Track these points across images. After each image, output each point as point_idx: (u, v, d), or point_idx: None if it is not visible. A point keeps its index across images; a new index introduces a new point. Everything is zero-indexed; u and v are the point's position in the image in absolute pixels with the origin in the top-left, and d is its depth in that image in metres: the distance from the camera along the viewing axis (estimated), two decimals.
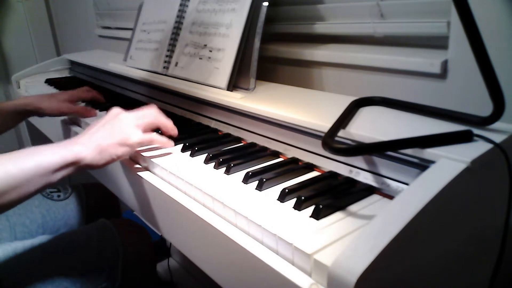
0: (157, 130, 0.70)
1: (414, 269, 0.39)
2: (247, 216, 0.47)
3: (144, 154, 0.67)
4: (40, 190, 0.56)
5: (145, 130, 0.65)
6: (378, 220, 0.37)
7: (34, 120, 1.21)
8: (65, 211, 1.04)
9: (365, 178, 0.52)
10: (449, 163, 0.42)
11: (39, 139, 1.16)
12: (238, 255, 0.46)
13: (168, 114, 0.87)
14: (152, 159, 0.65)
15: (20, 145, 2.09)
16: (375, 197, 0.50)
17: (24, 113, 0.93)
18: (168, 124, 0.68)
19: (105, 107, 0.96)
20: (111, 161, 0.60)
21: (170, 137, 0.69)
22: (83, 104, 1.00)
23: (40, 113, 0.92)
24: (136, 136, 0.62)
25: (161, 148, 0.69)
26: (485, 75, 0.44)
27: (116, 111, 0.66)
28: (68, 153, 0.57)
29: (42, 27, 2.06)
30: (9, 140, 2.02)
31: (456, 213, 0.42)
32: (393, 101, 0.60)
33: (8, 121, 0.92)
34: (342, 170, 0.55)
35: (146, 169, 0.67)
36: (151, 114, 0.66)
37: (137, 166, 0.69)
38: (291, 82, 0.82)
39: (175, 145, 0.72)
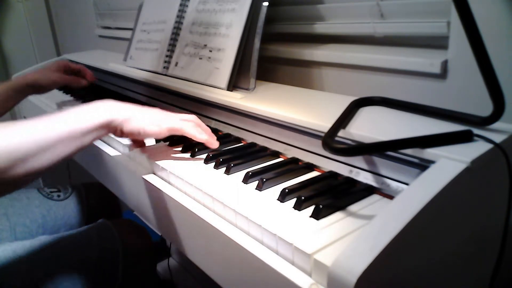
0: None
1: (414, 269, 0.39)
2: (247, 216, 0.47)
3: (143, 154, 0.67)
4: (73, 154, 0.55)
5: (174, 131, 0.63)
6: (378, 220, 0.37)
7: (30, 116, 1.23)
8: (65, 211, 1.04)
9: (365, 178, 0.52)
10: (449, 163, 0.42)
11: None
12: (238, 255, 0.46)
13: None
14: (152, 160, 0.65)
15: None
16: (375, 197, 0.50)
17: (24, 89, 0.95)
18: (204, 140, 0.64)
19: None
20: (141, 131, 0.60)
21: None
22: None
23: (37, 86, 0.96)
24: (171, 122, 0.62)
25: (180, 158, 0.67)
26: (485, 75, 0.44)
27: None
28: (100, 115, 0.57)
29: (42, 27, 2.06)
30: None
31: (456, 213, 0.42)
32: (393, 101, 0.60)
33: (8, 101, 0.94)
34: (342, 170, 0.55)
35: (146, 169, 0.67)
36: (193, 119, 0.65)
37: (131, 163, 0.69)
38: (291, 82, 0.82)
39: (175, 145, 0.72)
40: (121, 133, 0.60)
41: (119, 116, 0.58)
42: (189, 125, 0.63)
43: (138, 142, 0.70)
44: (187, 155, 0.68)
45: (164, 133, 0.62)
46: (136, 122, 0.59)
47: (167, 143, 0.73)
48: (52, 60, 1.49)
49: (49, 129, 0.52)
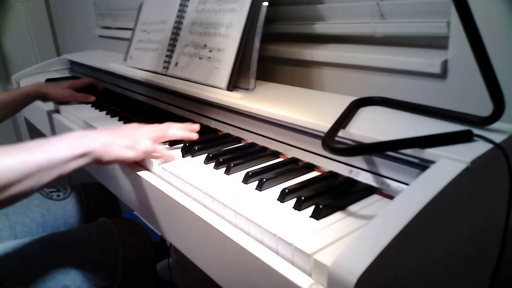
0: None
1: (414, 269, 0.39)
2: (247, 216, 0.47)
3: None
4: (53, 181, 0.58)
5: (156, 142, 0.66)
6: (378, 220, 0.37)
7: (30, 117, 1.30)
8: (65, 211, 1.04)
9: (365, 178, 0.52)
10: (449, 163, 0.42)
11: (36, 134, 1.31)
12: (238, 255, 0.46)
13: (168, 114, 0.88)
14: (152, 159, 0.65)
15: (18, 140, 2.10)
16: (375, 197, 0.50)
17: (33, 96, 1.06)
18: (182, 135, 0.69)
19: (105, 107, 0.97)
20: (116, 160, 0.62)
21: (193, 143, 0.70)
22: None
23: (47, 97, 1.06)
24: (144, 144, 0.64)
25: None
26: (485, 75, 0.44)
27: (136, 124, 0.70)
28: (78, 145, 0.59)
29: (42, 27, 2.06)
30: (8, 135, 2.04)
31: (456, 213, 0.42)
32: (393, 101, 0.60)
33: (17, 104, 1.04)
34: (342, 170, 0.55)
35: (146, 169, 0.67)
36: (164, 128, 0.68)
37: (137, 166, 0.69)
38: (291, 82, 0.82)
39: (175, 145, 0.72)
40: (101, 162, 0.62)
41: (96, 145, 0.60)
42: (157, 147, 0.66)
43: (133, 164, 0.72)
44: (187, 155, 0.68)
45: (141, 156, 0.64)
46: (112, 150, 0.61)
47: (168, 143, 0.73)
48: (52, 60, 1.49)
49: (32, 157, 0.55)
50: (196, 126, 0.72)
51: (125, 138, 0.63)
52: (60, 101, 1.07)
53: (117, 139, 0.62)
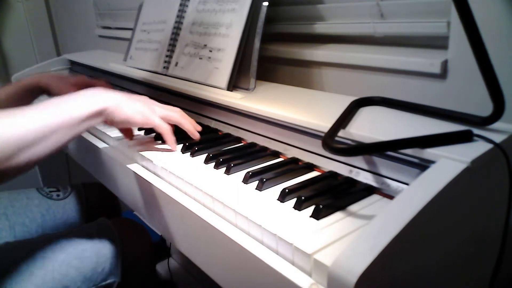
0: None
1: (414, 269, 0.39)
2: (247, 216, 0.47)
3: (144, 153, 0.67)
4: (70, 140, 0.58)
5: (164, 119, 0.67)
6: (378, 220, 0.37)
7: None
8: (65, 211, 1.04)
9: (365, 178, 0.52)
10: (449, 163, 0.42)
11: None
12: (238, 255, 0.46)
13: None
14: (152, 159, 0.65)
15: None
16: (375, 197, 0.50)
17: (36, 90, 0.95)
18: (187, 127, 0.69)
19: None
20: (125, 121, 0.62)
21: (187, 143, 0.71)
22: None
23: (49, 91, 0.94)
24: (154, 117, 0.65)
25: (162, 149, 0.69)
26: (485, 75, 0.44)
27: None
28: (94, 103, 0.59)
29: (42, 27, 2.06)
30: None
31: (456, 213, 0.42)
32: (393, 101, 0.60)
33: (21, 98, 0.94)
34: (342, 170, 0.55)
35: (146, 168, 0.67)
36: (175, 111, 0.69)
37: (131, 162, 0.70)
38: (291, 82, 0.82)
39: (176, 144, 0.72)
40: (111, 122, 0.63)
41: (110, 103, 0.61)
42: (171, 116, 0.67)
43: (126, 132, 0.73)
44: (187, 155, 0.68)
45: (147, 124, 0.64)
46: (125, 111, 0.62)
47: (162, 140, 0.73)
48: (52, 60, 1.49)
49: (49, 118, 0.55)
50: (199, 127, 0.72)
51: (137, 104, 0.64)
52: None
53: (129, 102, 0.63)
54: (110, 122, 0.63)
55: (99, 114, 0.60)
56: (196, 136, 0.70)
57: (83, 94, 0.61)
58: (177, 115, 0.68)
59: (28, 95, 0.95)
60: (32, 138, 0.53)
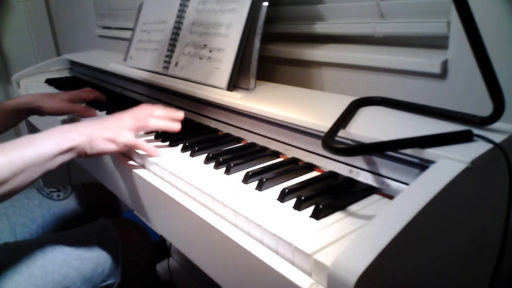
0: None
1: (414, 269, 0.39)
2: (247, 216, 0.47)
3: (143, 153, 0.67)
4: (41, 177, 0.60)
5: (138, 132, 0.67)
6: (378, 220, 0.37)
7: (34, 120, 1.21)
8: (65, 211, 1.04)
9: (365, 178, 0.52)
10: (449, 163, 0.42)
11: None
12: (238, 255, 0.46)
13: None
14: (151, 159, 0.65)
15: None
16: (375, 197, 0.50)
17: (26, 111, 0.94)
18: (163, 127, 0.69)
19: (105, 107, 0.97)
20: (98, 154, 0.64)
21: (171, 136, 0.70)
22: (83, 104, 1.00)
23: (41, 111, 0.93)
24: (125, 137, 0.65)
25: (160, 148, 0.69)
26: (485, 75, 0.44)
27: (119, 114, 0.69)
28: (64, 140, 0.61)
29: (42, 27, 2.06)
30: (8, 135, 2.03)
31: (456, 213, 0.42)
32: (393, 101, 0.60)
33: (9, 120, 0.93)
34: (342, 170, 0.55)
35: (146, 168, 0.67)
36: (145, 117, 0.68)
37: (131, 162, 0.70)
38: (291, 82, 0.82)
39: (176, 145, 0.72)
40: (85, 156, 0.63)
41: (81, 140, 0.62)
42: (138, 141, 0.66)
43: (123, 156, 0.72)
44: (187, 155, 0.68)
45: (123, 149, 0.66)
46: (95, 145, 0.63)
47: (167, 143, 0.73)
48: (52, 60, 1.49)
49: (20, 156, 0.57)
50: (181, 114, 0.72)
51: (107, 131, 0.64)
52: (58, 115, 0.94)
53: (100, 133, 0.63)
54: (83, 156, 0.63)
55: (69, 150, 0.61)
56: (176, 128, 0.69)
57: (53, 132, 0.62)
58: (148, 122, 0.67)
59: (17, 116, 0.94)
60: (4, 176, 0.55)
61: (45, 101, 0.92)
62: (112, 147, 0.64)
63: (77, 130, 0.63)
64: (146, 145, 0.67)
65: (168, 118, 0.70)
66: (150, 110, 0.69)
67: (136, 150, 0.69)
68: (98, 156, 0.64)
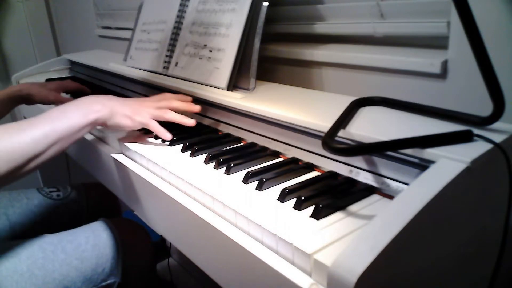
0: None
1: (414, 269, 0.39)
2: (247, 216, 0.47)
3: (143, 153, 0.67)
4: (70, 146, 0.66)
5: (155, 119, 0.71)
6: (378, 220, 0.37)
7: (28, 113, 1.27)
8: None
9: (365, 178, 0.52)
10: (449, 163, 0.42)
11: None
12: (238, 255, 0.46)
13: None
14: (152, 159, 0.65)
15: None
16: (375, 197, 0.50)
17: (17, 99, 1.01)
18: (179, 120, 0.73)
19: None
20: (116, 126, 0.70)
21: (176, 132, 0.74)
22: (69, 96, 1.10)
23: (30, 100, 1.01)
24: (141, 117, 0.70)
25: (158, 144, 0.72)
26: (485, 75, 0.44)
27: (144, 98, 0.75)
28: (90, 112, 0.67)
29: (42, 27, 2.06)
30: None
31: (456, 213, 0.42)
32: (393, 101, 0.60)
33: (3, 107, 1.00)
34: (342, 170, 0.55)
35: (146, 168, 0.67)
36: (165, 107, 0.73)
37: (131, 162, 0.71)
38: (291, 82, 0.82)
39: (175, 144, 0.72)
40: (104, 126, 0.70)
41: (104, 112, 0.68)
42: (161, 115, 0.71)
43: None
44: (187, 154, 0.68)
45: (137, 126, 0.71)
46: (115, 117, 0.69)
47: (168, 142, 0.73)
48: (52, 60, 1.49)
49: (54, 129, 0.63)
50: (197, 108, 0.76)
51: (127, 108, 0.70)
52: (45, 103, 1.03)
53: (120, 108, 0.69)
54: (104, 125, 0.70)
55: (95, 122, 0.67)
56: (189, 124, 0.72)
57: (81, 104, 0.68)
58: (166, 113, 0.71)
59: (10, 104, 1.01)
60: (41, 148, 0.61)
61: (35, 89, 1.01)
62: (128, 123, 0.69)
63: (102, 102, 0.69)
64: (158, 127, 0.70)
65: (185, 111, 0.74)
66: (170, 102, 0.74)
67: (138, 151, 0.69)
68: (116, 128, 0.70)
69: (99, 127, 0.79)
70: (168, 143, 0.73)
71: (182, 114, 0.73)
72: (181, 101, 0.75)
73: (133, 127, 0.70)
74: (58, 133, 0.63)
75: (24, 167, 0.60)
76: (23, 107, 1.14)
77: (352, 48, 0.74)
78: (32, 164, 0.61)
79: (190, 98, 0.78)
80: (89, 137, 0.85)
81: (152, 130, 0.71)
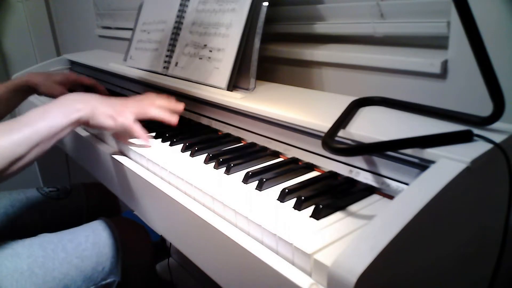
0: None
1: (414, 269, 0.39)
2: (247, 216, 0.47)
3: (143, 153, 0.67)
4: (53, 146, 0.65)
5: (137, 118, 0.70)
6: (378, 220, 0.37)
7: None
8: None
9: (365, 178, 0.52)
10: (449, 163, 0.42)
11: None
12: (238, 255, 0.46)
13: None
14: (152, 159, 0.65)
15: None
16: (375, 197, 0.50)
17: (26, 89, 0.99)
18: (162, 117, 0.72)
19: None
20: (97, 126, 0.68)
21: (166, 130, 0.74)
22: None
23: (37, 90, 0.99)
24: (124, 118, 0.68)
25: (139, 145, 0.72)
26: (485, 75, 0.44)
27: (126, 98, 0.73)
28: (72, 112, 0.65)
29: (42, 27, 2.06)
30: None
31: (456, 213, 0.42)
32: (393, 101, 0.60)
33: (15, 98, 0.99)
34: (342, 170, 0.55)
35: (146, 168, 0.67)
36: (147, 105, 0.72)
37: (131, 162, 0.70)
38: (291, 82, 0.82)
39: (175, 144, 0.72)
40: (86, 125, 0.68)
41: (86, 112, 0.66)
42: (142, 113, 0.70)
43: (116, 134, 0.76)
44: (187, 154, 0.68)
45: (119, 127, 0.69)
46: (97, 117, 0.67)
47: (168, 142, 0.73)
48: (52, 60, 1.49)
49: (35, 131, 0.61)
50: (180, 107, 0.75)
51: (109, 108, 0.68)
52: (50, 97, 1.00)
53: (103, 107, 0.68)
54: (86, 125, 0.68)
55: (77, 122, 0.66)
56: (173, 121, 0.72)
57: (63, 103, 0.66)
58: (148, 110, 0.71)
59: (19, 95, 1.00)
60: (21, 151, 0.60)
61: (41, 81, 0.99)
62: (110, 123, 0.67)
63: (84, 100, 0.67)
64: (140, 131, 0.69)
65: (168, 109, 0.73)
66: (153, 99, 0.73)
67: (138, 151, 0.69)
68: (98, 128, 0.69)
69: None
70: (168, 143, 0.73)
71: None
72: (161, 108, 0.73)
73: (115, 128, 0.68)
74: (39, 134, 0.61)
75: (6, 171, 0.60)
76: (23, 108, 1.13)
77: (352, 48, 0.74)
78: (14, 167, 0.60)
79: (173, 98, 0.77)
80: (89, 137, 0.85)
81: (134, 134, 0.69)
